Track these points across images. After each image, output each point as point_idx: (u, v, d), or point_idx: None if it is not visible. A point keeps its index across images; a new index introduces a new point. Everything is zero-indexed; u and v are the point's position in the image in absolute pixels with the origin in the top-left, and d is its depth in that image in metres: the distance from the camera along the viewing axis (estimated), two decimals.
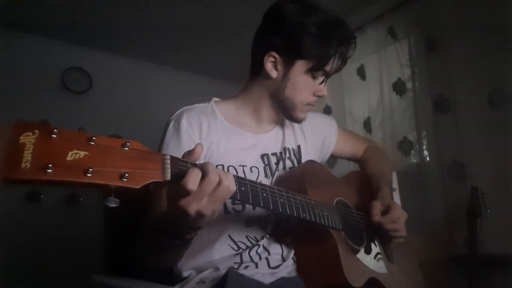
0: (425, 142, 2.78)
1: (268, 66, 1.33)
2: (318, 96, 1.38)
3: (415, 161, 2.85)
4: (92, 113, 3.54)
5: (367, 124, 3.16)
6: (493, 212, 2.30)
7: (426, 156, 2.78)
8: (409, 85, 2.91)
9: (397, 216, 1.37)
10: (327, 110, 3.45)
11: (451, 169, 2.62)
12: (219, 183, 0.83)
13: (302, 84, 1.33)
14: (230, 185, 0.85)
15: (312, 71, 1.31)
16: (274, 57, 1.32)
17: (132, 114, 3.69)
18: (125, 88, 3.83)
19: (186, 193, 0.80)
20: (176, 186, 0.81)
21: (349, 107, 3.32)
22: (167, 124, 1.34)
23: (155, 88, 3.98)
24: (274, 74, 1.34)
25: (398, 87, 2.95)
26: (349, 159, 1.83)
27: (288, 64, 1.32)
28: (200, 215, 0.84)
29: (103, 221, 1.77)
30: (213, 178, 0.82)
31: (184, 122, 1.30)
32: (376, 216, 1.37)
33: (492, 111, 2.43)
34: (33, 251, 3.05)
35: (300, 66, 1.31)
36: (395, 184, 2.82)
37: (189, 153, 0.88)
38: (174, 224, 0.94)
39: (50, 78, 3.50)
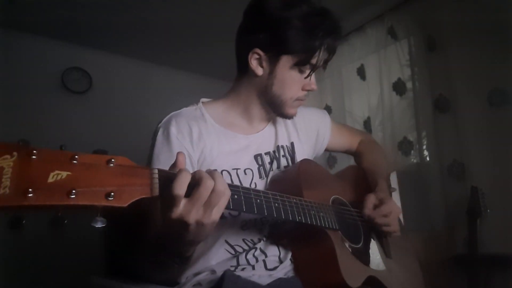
0: (425, 142, 2.77)
1: (253, 63, 1.31)
2: (308, 90, 1.35)
3: (415, 161, 2.84)
4: (92, 113, 3.54)
5: (367, 124, 3.15)
6: (493, 212, 2.30)
7: (426, 156, 2.77)
8: (409, 85, 2.90)
9: (389, 211, 1.36)
10: (327, 110, 3.37)
11: (451, 169, 2.62)
12: (213, 189, 0.81)
13: (289, 80, 1.30)
14: (225, 190, 0.84)
15: (299, 66, 1.28)
16: (259, 54, 1.29)
17: (132, 114, 3.68)
18: (125, 88, 3.82)
19: (174, 199, 0.78)
20: (165, 196, 0.79)
21: (349, 107, 3.31)
22: (156, 132, 1.31)
23: (155, 88, 3.96)
24: (260, 71, 1.31)
25: (398, 87, 2.94)
26: (344, 152, 1.81)
27: (273, 60, 1.29)
28: (199, 224, 0.83)
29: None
30: (208, 183, 0.80)
31: (173, 130, 1.27)
32: (367, 210, 1.36)
33: (492, 111, 2.43)
34: (31, 256, 3.04)
35: (285, 61, 1.28)
36: (395, 184, 2.83)
37: (173, 165, 0.85)
38: (173, 241, 0.92)
39: (50, 78, 3.48)
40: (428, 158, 2.76)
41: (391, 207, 1.37)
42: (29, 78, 3.33)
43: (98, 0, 2.97)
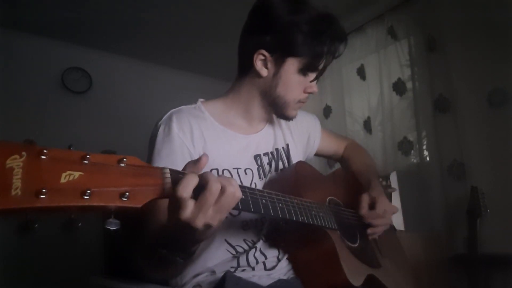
0: (425, 142, 2.77)
1: (258, 64, 1.30)
2: (309, 93, 1.36)
3: (415, 161, 2.84)
4: (92, 113, 3.55)
5: (367, 124, 3.15)
6: (493, 212, 2.29)
7: (426, 156, 2.77)
8: (409, 85, 2.90)
9: (383, 210, 1.38)
10: (327, 110, 3.44)
11: (451, 169, 2.61)
12: (223, 191, 0.79)
13: (294, 82, 1.31)
14: (236, 192, 0.81)
15: (306, 70, 1.30)
16: (264, 55, 1.29)
17: (132, 114, 3.68)
18: (125, 88, 3.83)
19: (179, 201, 0.76)
20: (172, 199, 0.78)
21: (349, 107, 3.31)
22: (156, 129, 1.28)
23: (155, 88, 3.97)
24: (264, 72, 1.31)
25: (398, 87, 2.94)
26: (330, 157, 1.82)
27: (279, 62, 1.29)
28: (207, 226, 0.81)
29: (102, 222, 1.76)
30: (214, 187, 0.78)
31: (174, 126, 1.25)
32: (363, 210, 1.37)
33: (492, 111, 2.42)
34: (31, 257, 3.04)
35: (291, 64, 1.28)
36: (395, 184, 2.84)
37: (194, 163, 0.85)
38: (177, 239, 0.90)
39: (50, 78, 3.49)
40: (428, 158, 2.75)
41: (385, 205, 1.39)
42: (30, 78, 3.34)
43: (98, 0, 2.97)
